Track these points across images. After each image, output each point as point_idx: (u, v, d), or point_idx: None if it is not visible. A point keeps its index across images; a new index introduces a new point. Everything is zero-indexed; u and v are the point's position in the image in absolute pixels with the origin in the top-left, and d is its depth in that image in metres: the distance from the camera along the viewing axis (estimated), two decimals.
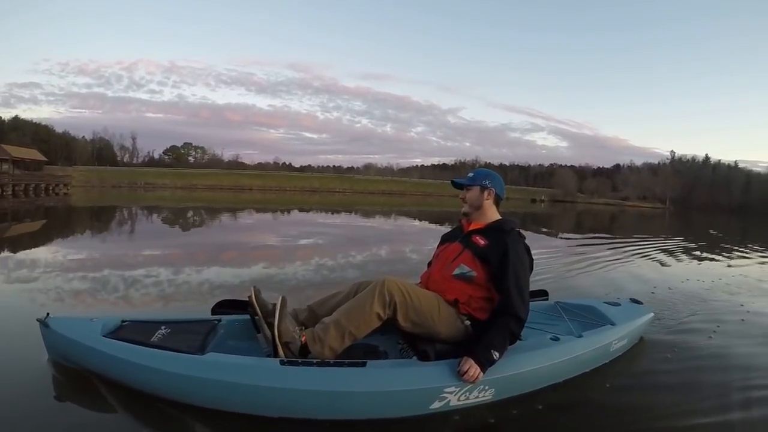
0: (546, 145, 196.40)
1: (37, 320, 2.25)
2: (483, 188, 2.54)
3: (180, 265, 5.71)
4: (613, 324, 2.95)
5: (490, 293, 2.35)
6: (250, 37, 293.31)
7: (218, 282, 4.86)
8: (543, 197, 65.47)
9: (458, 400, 2.15)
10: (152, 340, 2.19)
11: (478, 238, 2.45)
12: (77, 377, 2.23)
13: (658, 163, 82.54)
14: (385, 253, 8.13)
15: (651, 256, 8.72)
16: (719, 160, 76.24)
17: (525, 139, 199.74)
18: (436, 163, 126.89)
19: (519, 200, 56.76)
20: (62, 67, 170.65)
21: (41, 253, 6.48)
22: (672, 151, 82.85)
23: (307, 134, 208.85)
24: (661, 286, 5.51)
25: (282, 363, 2.04)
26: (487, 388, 2.21)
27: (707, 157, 77.32)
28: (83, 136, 73.54)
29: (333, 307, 2.36)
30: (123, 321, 2.41)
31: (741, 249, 11.11)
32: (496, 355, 2.15)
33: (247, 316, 2.40)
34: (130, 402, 2.08)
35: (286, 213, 19.68)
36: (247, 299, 2.29)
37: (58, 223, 12.15)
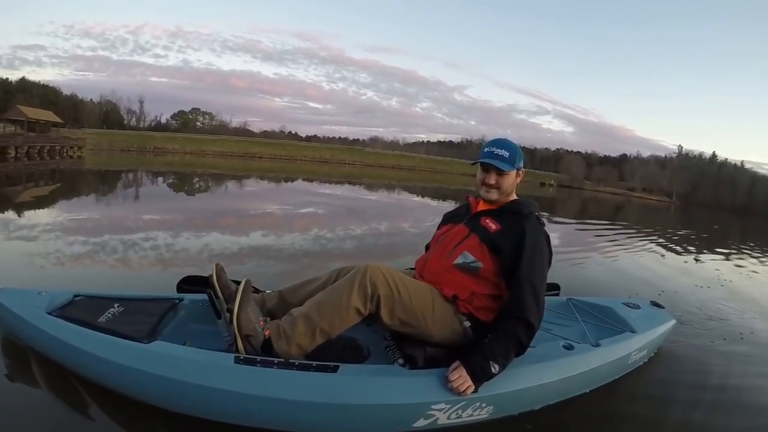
0: (551, 129, 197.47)
1: None
2: (518, 171, 2.11)
3: (177, 230, 5.67)
4: (633, 331, 2.59)
5: (498, 290, 1.96)
6: (257, 4, 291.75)
7: (213, 250, 4.80)
8: (552, 181, 64.92)
9: (448, 418, 1.81)
10: (99, 320, 1.93)
11: (488, 220, 2.03)
12: (33, 356, 2.01)
13: (665, 156, 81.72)
14: (384, 227, 8.10)
15: (664, 251, 8.54)
16: (726, 159, 75.45)
17: (530, 122, 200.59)
18: (441, 140, 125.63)
19: (527, 183, 56.18)
20: (67, 30, 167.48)
21: (48, 216, 6.34)
22: (680, 145, 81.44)
23: (312, 104, 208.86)
24: (675, 286, 5.24)
25: (236, 361, 1.72)
26: (483, 405, 1.85)
27: (714, 155, 76.25)
28: (91, 99, 73.04)
29: (307, 295, 1.98)
30: (76, 295, 2.16)
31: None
32: (495, 368, 1.76)
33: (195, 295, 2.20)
34: (87, 388, 1.85)
35: (292, 181, 19.54)
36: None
37: (77, 186, 11.97)
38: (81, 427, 1.72)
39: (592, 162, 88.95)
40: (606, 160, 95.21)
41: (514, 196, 2.16)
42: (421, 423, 1.78)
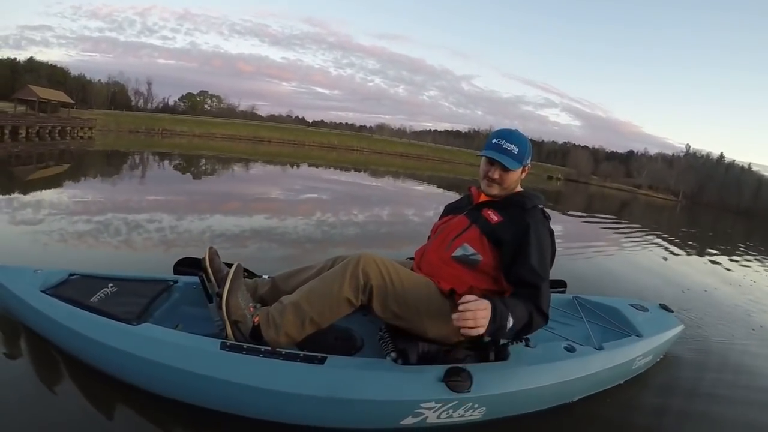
0: (558, 122, 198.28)
1: None
2: (524, 167, 1.97)
3: (181, 213, 5.71)
4: (639, 335, 2.47)
5: (498, 285, 1.85)
6: None
7: (216, 232, 4.83)
8: (560, 175, 64.60)
9: (438, 417, 1.74)
10: (92, 300, 1.92)
11: (490, 212, 1.91)
12: (25, 333, 2.04)
13: (673, 154, 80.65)
14: (387, 215, 8.09)
15: (672, 249, 8.45)
16: (733, 160, 74.20)
17: (537, 114, 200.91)
18: (448, 129, 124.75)
19: (534, 176, 55.77)
20: (75, 11, 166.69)
21: (56, 196, 6.35)
22: (687, 144, 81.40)
23: (319, 89, 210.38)
24: (683, 286, 5.18)
25: (222, 347, 1.68)
26: (476, 406, 1.77)
27: (722, 156, 75.01)
28: (99, 80, 72.78)
29: (300, 283, 1.92)
30: (71, 274, 2.15)
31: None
32: (510, 322, 1.59)
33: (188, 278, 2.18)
34: (74, 368, 1.86)
35: (298, 167, 19.50)
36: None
37: (87, 167, 12.02)
38: (61, 405, 1.71)
39: (599, 157, 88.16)
40: (613, 156, 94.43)
41: (519, 188, 2.02)
42: (409, 421, 1.72)
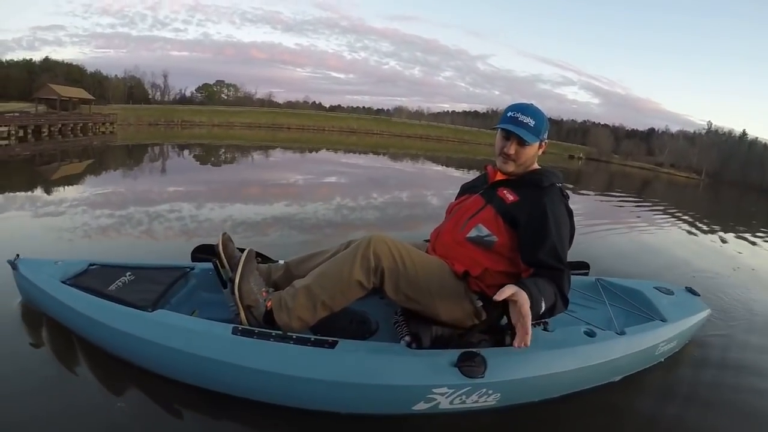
0: (577, 100, 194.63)
1: (7, 261, 2.14)
2: (542, 142, 1.87)
3: (201, 201, 5.74)
4: (663, 320, 2.34)
5: (514, 267, 1.78)
6: None
7: (236, 220, 4.86)
8: (581, 154, 63.69)
9: (450, 403, 1.69)
10: (110, 288, 1.97)
11: (506, 191, 1.83)
12: (46, 322, 2.09)
13: (694, 132, 78.54)
14: (406, 197, 8.07)
15: (698, 230, 8.14)
16: (756, 138, 71.57)
17: (555, 92, 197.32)
18: (467, 110, 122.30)
19: (555, 155, 54.81)
20: (85, 8, 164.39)
21: (79, 191, 6.51)
22: (709, 121, 79.39)
23: (334, 74, 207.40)
24: (711, 269, 4.82)
25: (234, 332, 1.69)
26: (490, 392, 1.71)
27: (744, 133, 72.62)
28: (115, 75, 72.91)
29: (314, 268, 1.88)
30: (91, 264, 2.21)
31: None
32: (542, 307, 1.50)
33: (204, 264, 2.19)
34: (93, 355, 1.90)
35: (317, 152, 19.50)
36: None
37: (110, 161, 12.29)
38: (80, 390, 1.75)
39: (619, 135, 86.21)
40: (633, 134, 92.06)
41: (536, 166, 1.92)
42: (421, 407, 1.69)
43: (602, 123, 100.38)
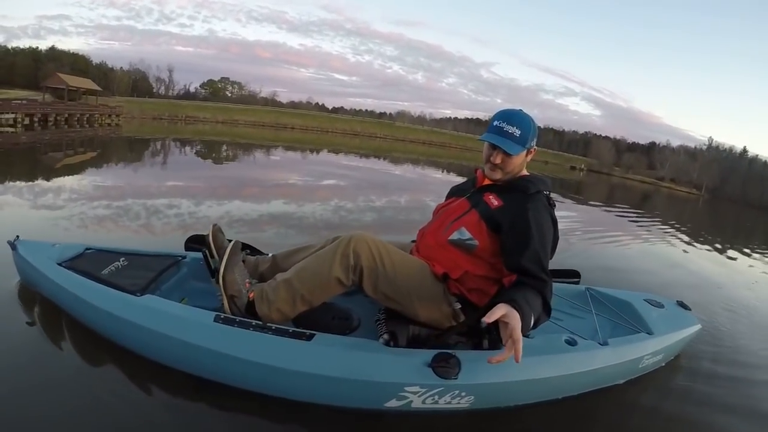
0: (578, 111, 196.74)
1: (7, 242, 2.22)
2: (528, 151, 1.88)
3: (200, 198, 5.77)
4: (650, 333, 2.33)
5: (494, 272, 1.79)
6: None
7: (234, 216, 4.89)
8: (583, 166, 63.74)
9: (423, 402, 1.70)
10: (102, 272, 2.04)
11: (491, 196, 1.85)
12: (40, 301, 2.18)
13: (695, 147, 78.73)
14: (405, 201, 8.11)
15: (696, 244, 8.16)
16: (756, 155, 71.96)
17: (557, 103, 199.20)
18: (469, 117, 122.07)
19: (557, 165, 54.79)
20: (92, 0, 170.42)
21: (84, 181, 6.59)
22: (710, 137, 79.41)
23: (338, 76, 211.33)
24: (707, 284, 4.88)
25: (216, 320, 1.75)
26: (463, 394, 1.72)
27: (745, 150, 73.14)
28: (121, 67, 73.15)
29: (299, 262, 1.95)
30: (87, 249, 2.29)
31: None
32: (532, 321, 1.49)
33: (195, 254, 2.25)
34: (81, 334, 1.97)
35: (317, 153, 19.57)
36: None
37: (116, 153, 12.41)
38: (65, 365, 1.82)
39: (620, 148, 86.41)
40: (635, 147, 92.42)
41: (524, 172, 1.94)
42: (393, 404, 1.71)
43: (603, 135, 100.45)
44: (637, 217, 11.33)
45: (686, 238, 8.46)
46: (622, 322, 2.48)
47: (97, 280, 1.97)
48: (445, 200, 2.12)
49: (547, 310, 1.64)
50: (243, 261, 2.03)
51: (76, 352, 1.88)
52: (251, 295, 1.83)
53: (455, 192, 2.12)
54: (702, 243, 8.50)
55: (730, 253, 7.87)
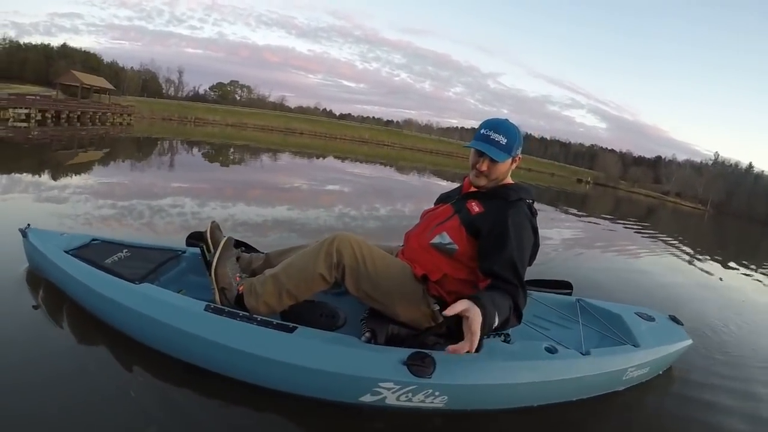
0: (584, 123, 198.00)
1: (19, 230, 2.37)
2: (513, 159, 1.94)
3: (204, 199, 5.87)
4: (636, 345, 2.31)
5: (473, 276, 1.84)
6: None
7: (238, 220, 4.96)
8: (589, 179, 63.71)
9: (397, 399, 1.74)
10: (106, 261, 2.17)
11: (474, 203, 1.91)
12: (45, 287, 2.31)
13: (701, 162, 79.20)
14: (408, 210, 8.09)
15: (699, 260, 8.07)
16: (762, 171, 71.82)
17: (564, 114, 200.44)
18: (475, 127, 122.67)
19: (563, 178, 54.55)
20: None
21: (93, 178, 6.77)
22: (716, 152, 79.51)
23: (345, 82, 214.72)
24: (709, 300, 4.76)
25: (206, 309, 1.85)
26: (437, 393, 1.75)
27: (751, 166, 73.04)
28: (131, 67, 73.96)
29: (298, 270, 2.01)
30: (93, 239, 2.44)
31: None
32: (496, 321, 1.52)
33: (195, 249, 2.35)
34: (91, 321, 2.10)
35: (323, 158, 19.76)
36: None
37: (128, 152, 12.69)
38: (61, 346, 1.94)
39: (626, 162, 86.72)
40: (641, 161, 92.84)
41: (509, 180, 2.00)
42: (367, 398, 1.75)
43: (609, 148, 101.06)
44: (640, 230, 11.30)
45: (688, 254, 8.42)
46: (609, 333, 2.46)
47: (100, 268, 2.10)
48: (434, 205, 2.20)
49: (517, 314, 1.68)
50: (237, 258, 2.14)
51: (72, 334, 2.02)
52: (240, 289, 1.93)
53: (443, 198, 2.20)
54: (704, 259, 8.47)
55: (732, 269, 7.84)
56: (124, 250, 2.35)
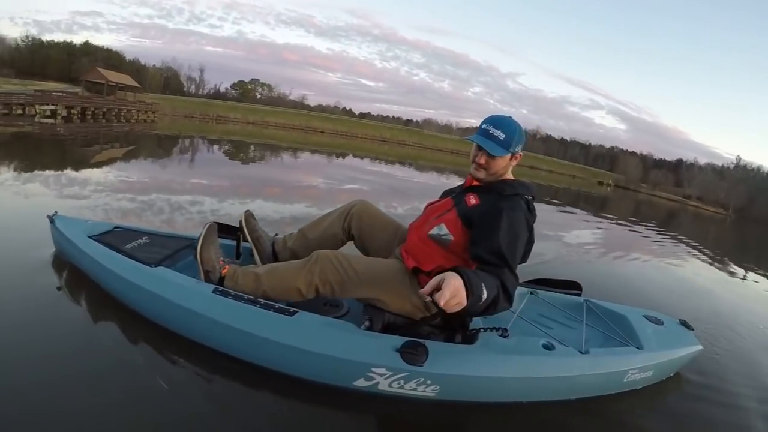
0: (604, 124, 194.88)
1: (47, 216, 2.55)
2: (513, 155, 1.98)
3: (223, 195, 6.03)
4: (639, 347, 2.26)
5: (468, 267, 1.78)
6: None
7: (255, 215, 4.99)
8: (610, 181, 62.83)
9: (389, 385, 1.80)
10: (126, 247, 2.33)
11: (471, 196, 1.97)
12: (69, 270, 2.49)
13: (723, 166, 77.42)
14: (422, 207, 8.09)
15: (720, 266, 7.91)
16: None
17: (583, 116, 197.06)
18: None
19: (584, 180, 53.57)
20: None
21: (116, 173, 6.98)
22: (738, 156, 77.54)
23: (364, 81, 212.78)
24: (729, 308, 4.57)
25: (214, 291, 1.97)
26: (429, 382, 1.80)
27: None
28: (153, 65, 74.94)
29: (323, 229, 2.30)
30: (116, 227, 2.62)
31: None
32: (484, 293, 1.53)
33: (230, 242, 2.46)
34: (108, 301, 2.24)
35: (344, 157, 19.84)
36: (236, 226, 2.37)
37: (152, 148, 12.99)
38: (79, 323, 2.09)
39: (647, 164, 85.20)
40: (661, 164, 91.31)
41: (509, 176, 2.04)
42: (361, 383, 1.81)
43: (630, 150, 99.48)
44: (660, 234, 11.15)
45: (708, 259, 8.24)
46: (613, 335, 2.42)
47: (121, 252, 2.27)
48: (438, 199, 2.24)
49: (507, 295, 1.69)
50: (273, 243, 2.37)
51: (89, 313, 2.18)
52: (224, 271, 2.08)
53: (447, 193, 2.25)
54: (724, 264, 8.31)
55: (752, 275, 7.62)
56: (144, 237, 2.51)
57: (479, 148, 1.96)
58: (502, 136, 1.92)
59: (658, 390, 2.35)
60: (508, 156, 1.97)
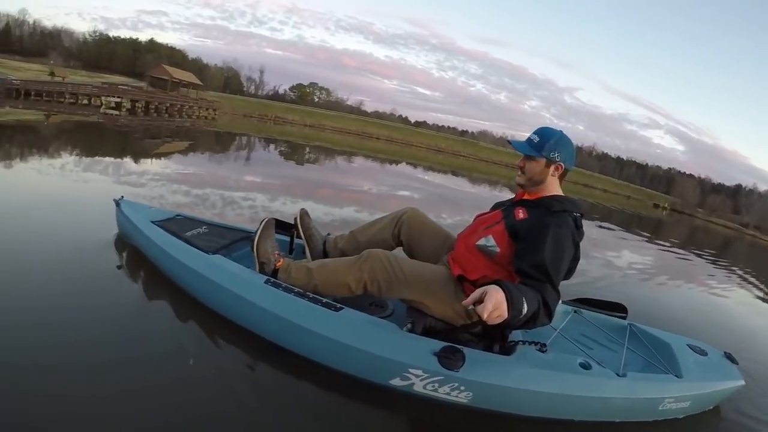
0: (662, 145, 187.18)
1: (113, 200, 2.75)
2: (550, 162, 1.97)
3: (275, 193, 6.26)
4: (679, 376, 2.17)
5: (510, 279, 1.82)
6: None
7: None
8: (666, 204, 60.41)
9: (424, 387, 1.83)
10: (186, 234, 2.46)
11: (520, 210, 1.97)
12: (131, 252, 2.68)
13: None
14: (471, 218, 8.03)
15: None
16: None
17: (640, 134, 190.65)
18: None
19: (639, 201, 51.18)
20: None
21: (170, 166, 7.25)
22: None
23: (420, 90, 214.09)
24: None
25: (266, 282, 2.07)
26: (462, 388, 1.81)
27: None
28: (215, 64, 77.53)
29: (374, 233, 2.37)
30: (177, 215, 2.78)
31: None
32: (525, 307, 1.55)
33: (284, 237, 2.58)
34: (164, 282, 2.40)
35: (397, 164, 19.97)
36: (291, 223, 2.47)
37: (213, 144, 13.62)
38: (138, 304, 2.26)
39: (705, 188, 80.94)
40: (720, 188, 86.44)
41: (558, 192, 2.04)
42: (397, 382, 1.85)
43: (687, 172, 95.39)
44: (714, 263, 10.63)
45: (762, 293, 7.78)
46: (654, 361, 2.35)
47: (181, 238, 2.41)
48: (488, 211, 2.25)
49: (547, 311, 1.69)
50: (324, 242, 2.45)
51: (145, 292, 2.36)
52: (278, 264, 2.18)
53: (498, 205, 2.25)
54: None
55: None
56: (204, 227, 2.66)
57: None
58: (536, 139, 2.00)
59: (696, 421, 2.27)
60: (543, 161, 1.98)
